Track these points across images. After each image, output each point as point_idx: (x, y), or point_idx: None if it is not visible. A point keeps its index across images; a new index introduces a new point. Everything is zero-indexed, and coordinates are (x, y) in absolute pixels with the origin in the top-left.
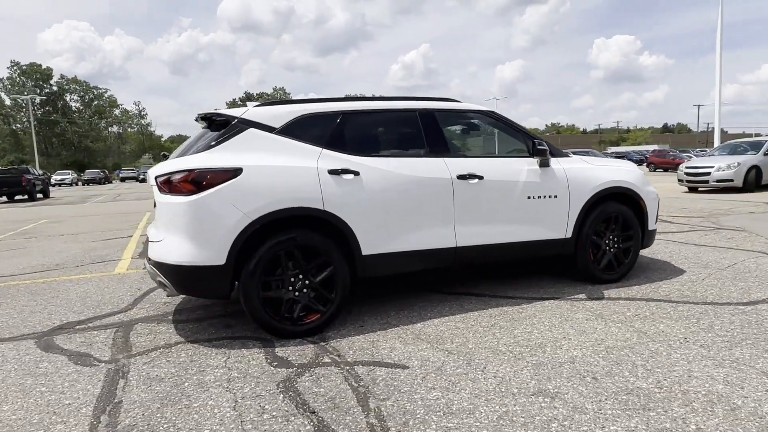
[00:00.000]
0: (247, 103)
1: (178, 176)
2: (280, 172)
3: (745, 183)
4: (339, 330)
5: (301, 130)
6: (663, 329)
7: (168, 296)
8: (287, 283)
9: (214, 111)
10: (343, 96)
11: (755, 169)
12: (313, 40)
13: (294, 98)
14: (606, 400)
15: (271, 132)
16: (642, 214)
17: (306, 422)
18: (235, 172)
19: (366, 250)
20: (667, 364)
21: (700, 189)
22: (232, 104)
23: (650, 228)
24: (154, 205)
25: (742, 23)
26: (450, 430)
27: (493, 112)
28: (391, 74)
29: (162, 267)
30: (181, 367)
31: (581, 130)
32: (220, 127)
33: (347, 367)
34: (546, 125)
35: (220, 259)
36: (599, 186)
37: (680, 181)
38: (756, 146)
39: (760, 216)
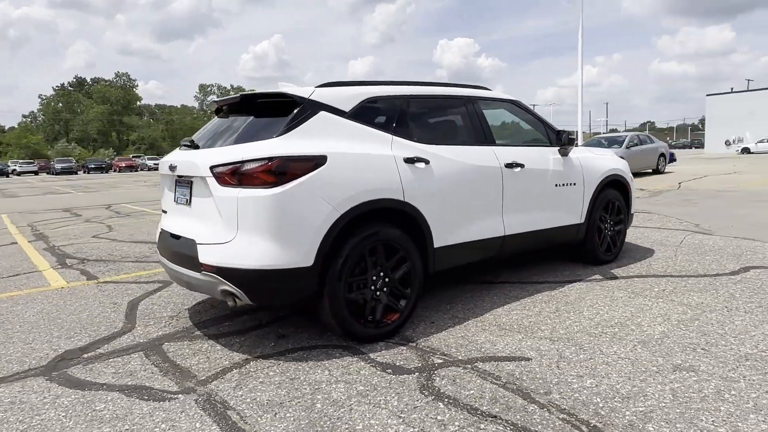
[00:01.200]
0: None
1: (253, 165)
2: (363, 160)
3: None
4: (414, 329)
5: (370, 114)
6: (699, 301)
7: (233, 307)
8: (370, 282)
9: (276, 90)
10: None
11: None
12: (152, 23)
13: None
14: (739, 367)
15: (342, 116)
16: (629, 199)
17: (500, 428)
18: (320, 160)
19: (437, 242)
20: (742, 329)
21: None
22: (61, 88)
23: (631, 211)
24: (176, 199)
25: (563, 33)
26: (645, 413)
27: (519, 101)
28: (242, 64)
29: (232, 273)
30: (288, 387)
31: None
32: (280, 109)
33: (470, 366)
34: None
35: (308, 260)
36: (604, 174)
37: None
38: (616, 141)
39: (649, 200)
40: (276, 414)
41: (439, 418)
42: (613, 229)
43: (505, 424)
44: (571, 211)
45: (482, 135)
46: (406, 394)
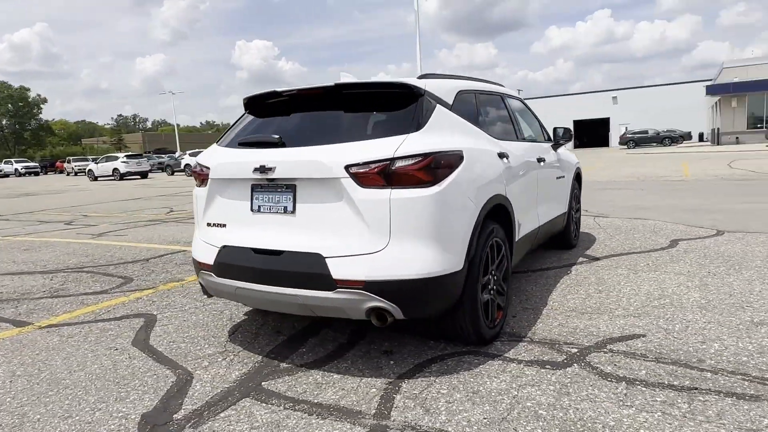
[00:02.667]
0: (342, 73)
1: (407, 163)
2: (485, 156)
3: None
4: (505, 324)
5: (461, 108)
6: (682, 269)
7: (380, 326)
8: (490, 282)
9: (391, 80)
10: None
11: None
12: None
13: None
14: None
15: (449, 110)
16: (580, 189)
17: (700, 396)
18: (461, 156)
19: (516, 237)
20: (760, 288)
21: None
22: None
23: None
24: (257, 208)
25: (358, 42)
26: None
27: (522, 99)
28: None
29: (386, 287)
30: (488, 402)
31: None
32: (391, 101)
33: (606, 348)
34: (201, 123)
35: (460, 263)
36: (575, 166)
37: None
38: None
39: None
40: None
41: (647, 396)
42: (576, 217)
43: (703, 392)
44: (562, 202)
45: (519, 131)
46: (597, 385)
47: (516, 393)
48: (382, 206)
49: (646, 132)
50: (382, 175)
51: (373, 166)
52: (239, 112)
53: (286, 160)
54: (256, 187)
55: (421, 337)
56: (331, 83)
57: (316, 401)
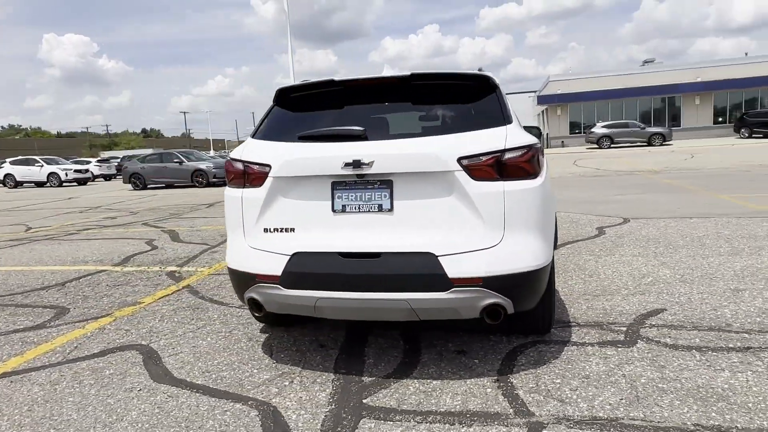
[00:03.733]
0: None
1: (515, 154)
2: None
3: None
4: None
5: None
6: (638, 251)
7: (491, 325)
8: None
9: (468, 72)
10: None
11: None
12: None
13: None
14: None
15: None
16: None
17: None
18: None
19: None
20: (708, 262)
21: None
22: None
23: None
24: (341, 208)
25: (195, 42)
26: None
27: None
28: None
29: (503, 281)
30: (614, 385)
31: (55, 133)
32: (463, 92)
33: (646, 325)
34: (1, 127)
35: (551, 253)
36: None
37: None
38: None
39: None
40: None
41: (725, 360)
42: None
43: (758, 350)
44: None
45: None
46: (677, 356)
47: (623, 372)
48: (497, 199)
49: None
50: (495, 167)
51: (485, 158)
52: (51, 115)
53: (385, 154)
54: (338, 185)
55: (470, 333)
56: (406, 72)
57: (442, 410)
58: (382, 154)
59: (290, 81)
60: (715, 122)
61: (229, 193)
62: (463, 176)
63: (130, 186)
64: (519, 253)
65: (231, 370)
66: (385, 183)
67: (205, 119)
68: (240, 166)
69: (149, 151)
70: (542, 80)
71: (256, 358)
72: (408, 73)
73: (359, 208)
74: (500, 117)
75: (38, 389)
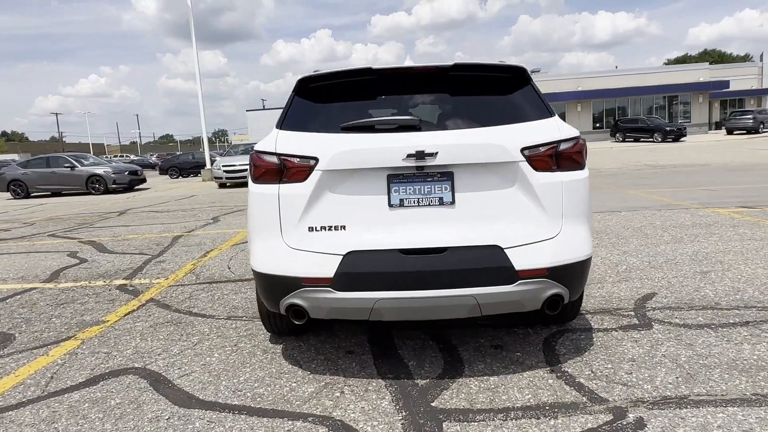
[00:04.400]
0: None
1: (568, 145)
2: None
3: None
4: None
5: None
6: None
7: (550, 316)
8: None
9: (508, 64)
10: None
11: None
12: None
13: None
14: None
15: None
16: None
17: (743, 328)
18: None
19: None
20: (663, 248)
21: (228, 184)
22: None
23: None
24: (399, 202)
25: (63, 36)
26: None
27: None
28: None
29: (564, 271)
30: (664, 366)
31: None
32: (499, 85)
33: (650, 308)
34: None
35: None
36: None
37: (217, 178)
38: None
39: None
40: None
41: (735, 334)
42: None
43: (757, 323)
44: None
45: None
46: (696, 334)
47: (662, 353)
48: (557, 189)
49: None
50: (553, 158)
51: (543, 148)
52: None
53: (448, 144)
54: (394, 178)
55: (493, 327)
56: (449, 63)
57: (518, 405)
58: (444, 144)
59: (179, 82)
60: (594, 127)
61: (259, 189)
62: (526, 167)
63: (9, 194)
64: (576, 243)
65: (266, 386)
66: (445, 175)
67: (79, 122)
68: (274, 159)
69: (13, 156)
70: None
71: (287, 371)
72: (450, 63)
73: (418, 201)
74: (544, 109)
75: (32, 431)
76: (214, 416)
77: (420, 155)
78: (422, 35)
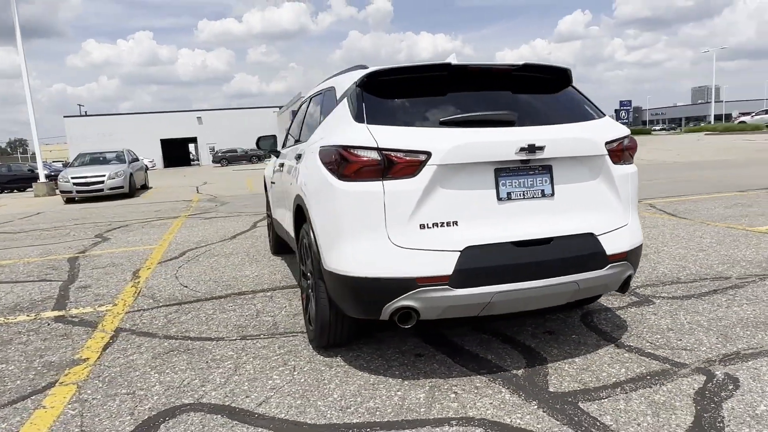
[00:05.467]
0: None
1: (627, 141)
2: None
3: (130, 188)
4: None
5: None
6: None
7: (622, 293)
8: None
9: (562, 66)
10: None
11: (131, 176)
12: None
13: None
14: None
15: None
16: None
17: (704, 301)
18: None
19: None
20: None
21: (77, 199)
22: None
23: None
24: (506, 196)
25: None
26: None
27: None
28: None
29: (635, 255)
30: (709, 331)
31: None
32: (549, 84)
33: (647, 287)
34: None
35: None
36: None
37: (64, 192)
38: (118, 157)
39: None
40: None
41: (721, 300)
42: None
43: (725, 290)
44: None
45: None
46: (693, 303)
47: (685, 321)
48: (627, 180)
49: (235, 151)
50: (623, 152)
51: (616, 143)
52: None
53: (550, 138)
54: (501, 172)
55: (529, 316)
56: (519, 63)
57: (624, 378)
58: (549, 138)
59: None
60: None
61: (353, 187)
62: (608, 160)
63: None
64: (638, 228)
65: (372, 399)
66: (545, 168)
67: None
68: (374, 155)
69: None
70: (268, 96)
71: (376, 381)
72: (521, 63)
73: (523, 194)
74: (595, 108)
75: None
76: None
77: (531, 149)
78: (255, 44)
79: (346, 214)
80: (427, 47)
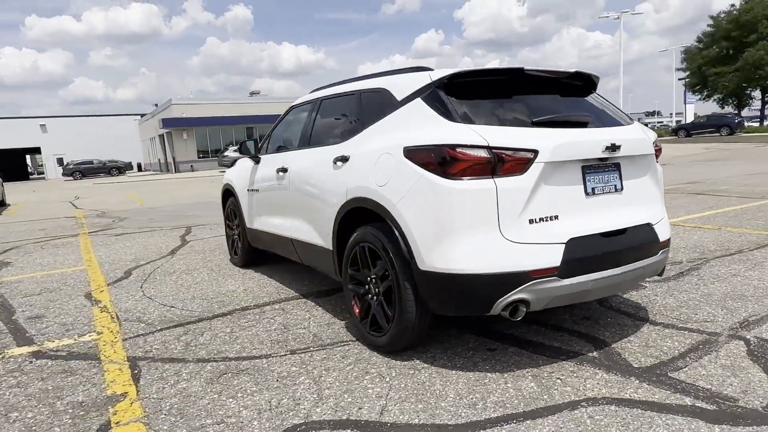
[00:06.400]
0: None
1: (659, 144)
2: None
3: None
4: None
5: None
6: None
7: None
8: None
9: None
10: None
11: None
12: None
13: None
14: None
15: None
16: None
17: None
18: None
19: None
20: None
21: None
22: None
23: None
24: (592, 190)
25: None
26: None
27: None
28: None
29: (669, 243)
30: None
31: None
32: (583, 90)
33: None
34: None
35: None
36: None
37: None
38: None
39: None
40: None
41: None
42: None
43: (693, 272)
44: None
45: None
46: (687, 284)
47: (688, 298)
48: (661, 177)
49: (91, 162)
50: (659, 152)
51: (655, 144)
52: None
53: (625, 138)
54: (587, 169)
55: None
56: (572, 70)
57: (691, 346)
58: (623, 138)
59: None
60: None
61: (464, 185)
62: (654, 158)
63: None
64: (666, 226)
65: (491, 395)
66: (616, 166)
67: None
68: (483, 153)
69: None
70: (115, 103)
71: (478, 378)
72: (573, 70)
73: (603, 189)
74: (625, 113)
75: None
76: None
77: (613, 147)
78: (97, 46)
79: (456, 212)
80: (290, 58)
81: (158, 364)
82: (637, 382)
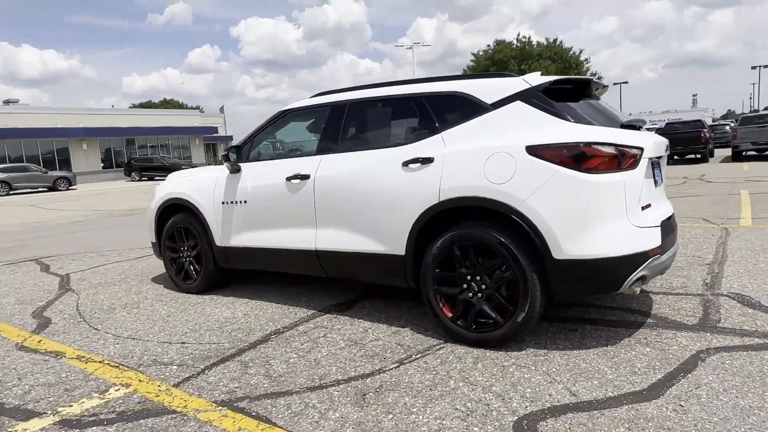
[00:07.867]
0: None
1: None
2: None
3: None
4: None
5: None
6: None
7: None
8: None
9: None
10: None
11: None
12: None
13: None
14: None
15: None
16: None
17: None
18: None
19: None
20: None
21: None
22: None
23: None
24: (655, 182)
25: None
26: None
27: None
28: None
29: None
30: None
31: None
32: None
33: None
34: None
35: None
36: None
37: None
38: None
39: None
40: None
41: None
42: None
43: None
44: None
45: None
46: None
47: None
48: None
49: None
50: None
51: None
52: None
53: (662, 141)
54: (653, 165)
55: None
56: (603, 83)
57: (737, 321)
58: (661, 141)
59: None
60: (105, 167)
61: (598, 178)
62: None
63: None
64: None
65: (612, 372)
66: (657, 164)
67: None
68: (611, 150)
69: None
70: None
71: (586, 360)
72: (603, 83)
73: (657, 182)
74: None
75: None
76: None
77: (667, 148)
78: None
79: (595, 202)
80: (32, 63)
81: (259, 402)
82: (709, 334)
